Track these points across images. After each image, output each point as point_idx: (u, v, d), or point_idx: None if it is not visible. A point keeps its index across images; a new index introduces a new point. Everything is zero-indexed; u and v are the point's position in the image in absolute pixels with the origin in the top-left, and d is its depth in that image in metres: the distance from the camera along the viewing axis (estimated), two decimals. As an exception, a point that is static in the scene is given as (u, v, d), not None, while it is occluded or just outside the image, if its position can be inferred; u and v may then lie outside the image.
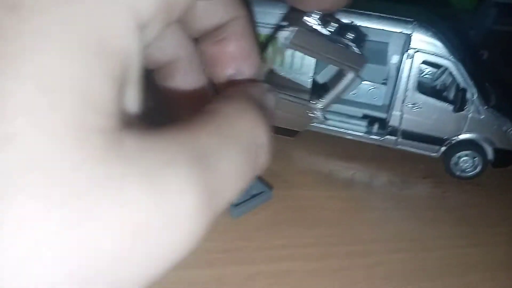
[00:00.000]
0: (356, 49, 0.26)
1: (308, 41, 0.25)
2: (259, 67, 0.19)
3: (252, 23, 0.18)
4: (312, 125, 0.32)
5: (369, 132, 0.31)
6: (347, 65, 0.26)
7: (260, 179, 0.28)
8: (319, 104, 0.27)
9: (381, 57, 0.31)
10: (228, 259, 0.24)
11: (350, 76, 0.26)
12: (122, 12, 0.11)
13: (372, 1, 0.32)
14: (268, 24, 0.30)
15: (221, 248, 0.25)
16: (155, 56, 0.18)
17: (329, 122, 0.31)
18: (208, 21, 0.18)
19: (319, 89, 0.30)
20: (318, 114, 0.27)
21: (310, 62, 0.30)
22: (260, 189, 0.27)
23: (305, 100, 0.27)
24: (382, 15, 0.29)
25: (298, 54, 0.29)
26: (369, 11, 0.29)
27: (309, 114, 0.27)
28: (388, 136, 0.31)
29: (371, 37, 0.30)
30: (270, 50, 0.30)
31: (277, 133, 0.26)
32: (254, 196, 0.27)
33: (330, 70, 0.31)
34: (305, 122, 0.28)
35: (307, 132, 0.32)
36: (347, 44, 0.26)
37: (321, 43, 0.26)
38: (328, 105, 0.27)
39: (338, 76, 0.27)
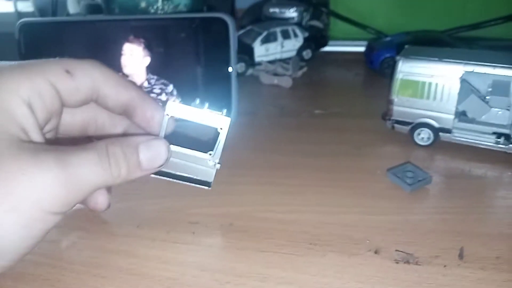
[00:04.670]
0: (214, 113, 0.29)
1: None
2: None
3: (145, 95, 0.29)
4: (456, 139, 0.42)
5: (497, 143, 0.41)
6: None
7: (423, 170, 0.38)
8: (212, 156, 0.30)
9: (505, 90, 0.40)
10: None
11: (223, 132, 0.29)
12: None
13: (480, 53, 0.44)
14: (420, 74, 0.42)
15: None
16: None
17: (468, 136, 0.42)
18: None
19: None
20: (216, 163, 0.30)
21: (454, 92, 0.40)
22: (424, 176, 0.37)
23: (199, 151, 0.30)
24: (504, 65, 0.39)
25: (444, 86, 0.41)
26: (489, 62, 0.40)
27: (210, 164, 0.30)
28: (511, 145, 0.40)
29: (499, 76, 0.40)
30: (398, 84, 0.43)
31: (193, 183, 0.31)
32: (419, 180, 0.37)
33: (472, 99, 0.41)
34: (210, 171, 0.31)
35: (450, 143, 0.43)
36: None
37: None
38: (219, 155, 0.30)
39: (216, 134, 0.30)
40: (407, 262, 0.29)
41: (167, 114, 0.28)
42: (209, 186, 0.31)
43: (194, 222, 0.34)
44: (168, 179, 0.30)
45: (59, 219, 0.25)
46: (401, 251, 0.30)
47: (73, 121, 0.30)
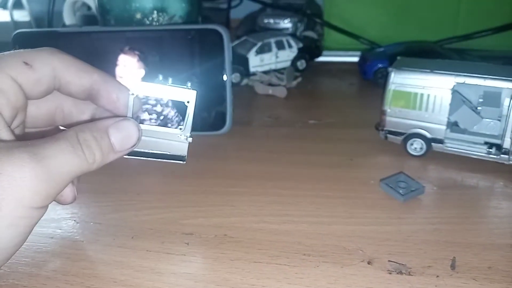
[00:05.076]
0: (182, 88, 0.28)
1: None
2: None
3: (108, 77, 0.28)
4: (448, 149, 0.42)
5: (488, 153, 0.41)
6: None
7: (416, 181, 0.39)
8: (183, 130, 0.30)
9: (496, 101, 0.41)
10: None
11: (190, 105, 0.29)
12: None
13: (471, 64, 0.45)
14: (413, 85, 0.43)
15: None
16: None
17: (460, 147, 0.42)
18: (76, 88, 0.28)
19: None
20: (188, 137, 0.30)
21: (446, 103, 0.41)
22: (417, 186, 0.38)
23: (169, 127, 0.30)
24: (494, 76, 0.40)
25: (436, 97, 0.41)
26: (479, 73, 0.40)
27: (182, 138, 0.30)
28: (502, 155, 0.41)
29: (489, 87, 0.41)
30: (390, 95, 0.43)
31: (168, 159, 0.30)
32: (412, 190, 0.37)
33: (463, 110, 0.42)
34: (183, 146, 0.30)
35: (443, 154, 0.43)
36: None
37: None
38: (189, 128, 0.30)
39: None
40: (400, 272, 0.29)
41: (132, 94, 0.28)
42: (183, 161, 0.30)
43: (188, 233, 0.34)
44: (142, 158, 0.30)
45: (43, 213, 0.24)
46: (394, 262, 0.30)
47: (39, 112, 0.29)
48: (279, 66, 0.66)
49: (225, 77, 0.48)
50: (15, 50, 0.27)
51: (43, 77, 0.27)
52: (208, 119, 0.49)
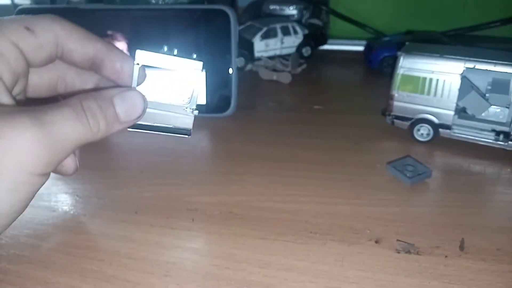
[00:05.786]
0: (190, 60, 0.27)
1: None
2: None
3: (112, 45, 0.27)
4: (455, 135, 0.42)
5: (496, 140, 0.41)
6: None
7: (423, 164, 0.38)
8: (189, 103, 0.28)
9: (505, 88, 0.41)
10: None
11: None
12: None
13: (481, 50, 0.44)
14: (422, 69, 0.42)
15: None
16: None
17: (468, 133, 0.42)
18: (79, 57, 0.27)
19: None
20: (194, 110, 0.29)
21: (454, 89, 0.41)
22: (424, 170, 0.38)
23: (175, 99, 0.28)
24: (504, 62, 0.40)
25: (445, 82, 0.41)
26: (489, 59, 0.40)
27: (188, 111, 0.28)
28: (510, 142, 0.40)
29: (499, 74, 0.41)
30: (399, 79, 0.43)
31: (173, 133, 0.29)
32: (419, 174, 0.37)
33: (472, 96, 0.41)
34: (189, 119, 0.29)
35: (450, 140, 0.43)
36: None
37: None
38: (195, 101, 0.29)
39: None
40: (408, 252, 0.29)
41: (138, 63, 0.26)
42: (189, 134, 0.29)
43: (193, 209, 0.33)
44: (146, 131, 0.28)
45: (44, 181, 0.23)
46: (402, 241, 0.30)
47: (41, 81, 0.28)
48: (284, 52, 0.66)
49: (231, 62, 0.47)
50: (16, 16, 0.26)
51: (45, 44, 0.26)
52: (213, 101, 0.49)
